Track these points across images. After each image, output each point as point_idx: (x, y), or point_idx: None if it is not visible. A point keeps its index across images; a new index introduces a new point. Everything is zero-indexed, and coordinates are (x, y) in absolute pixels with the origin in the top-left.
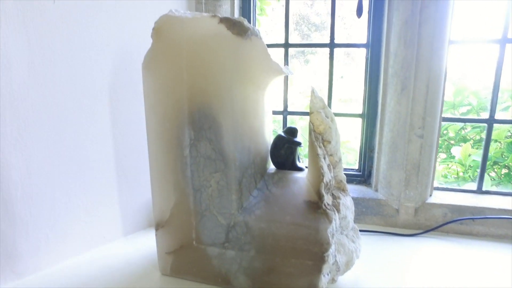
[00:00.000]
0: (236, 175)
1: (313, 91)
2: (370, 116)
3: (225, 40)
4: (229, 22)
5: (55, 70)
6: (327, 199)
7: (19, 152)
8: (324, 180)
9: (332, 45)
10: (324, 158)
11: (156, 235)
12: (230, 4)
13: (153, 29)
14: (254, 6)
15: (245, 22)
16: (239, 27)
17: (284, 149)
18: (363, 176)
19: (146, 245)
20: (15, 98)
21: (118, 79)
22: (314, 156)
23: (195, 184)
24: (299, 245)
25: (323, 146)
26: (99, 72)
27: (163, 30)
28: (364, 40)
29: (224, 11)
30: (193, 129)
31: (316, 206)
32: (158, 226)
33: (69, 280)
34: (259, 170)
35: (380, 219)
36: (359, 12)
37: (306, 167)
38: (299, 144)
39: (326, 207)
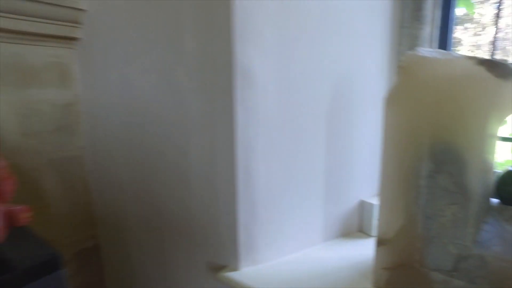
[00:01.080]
0: (475, 209)
1: None
2: None
3: (483, 81)
4: (490, 64)
5: (293, 95)
6: None
7: (264, 163)
8: None
9: None
10: None
11: (376, 250)
12: (430, 26)
13: (399, 67)
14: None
15: (509, 64)
16: (503, 69)
17: None
18: None
19: (345, 253)
20: (267, 117)
21: (335, 104)
22: None
23: (428, 212)
24: None
25: None
26: (321, 97)
27: (410, 68)
28: None
29: (427, 33)
30: (433, 162)
31: None
32: (380, 243)
33: (289, 272)
34: (487, 203)
35: None
36: None
37: None
38: None
39: None
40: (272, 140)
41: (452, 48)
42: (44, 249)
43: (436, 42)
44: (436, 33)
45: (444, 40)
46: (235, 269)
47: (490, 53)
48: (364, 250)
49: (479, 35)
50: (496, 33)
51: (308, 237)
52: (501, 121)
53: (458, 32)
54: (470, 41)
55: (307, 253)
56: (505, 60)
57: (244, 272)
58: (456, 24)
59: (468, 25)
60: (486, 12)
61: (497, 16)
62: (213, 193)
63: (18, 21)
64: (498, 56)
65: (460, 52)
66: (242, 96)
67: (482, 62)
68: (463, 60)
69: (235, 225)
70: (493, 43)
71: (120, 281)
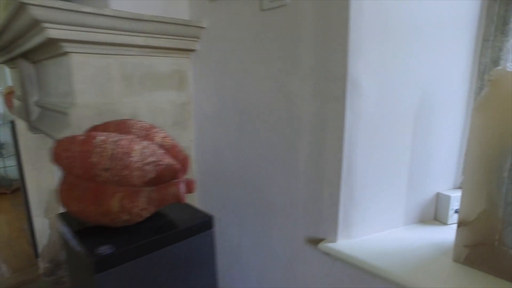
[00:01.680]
0: None
1: None
2: None
3: None
4: None
5: (388, 100)
6: None
7: (362, 156)
8: None
9: None
10: None
11: (457, 230)
12: None
13: (489, 80)
14: None
15: None
16: None
17: None
18: None
19: (424, 235)
20: (367, 118)
21: (421, 108)
22: None
23: (508, 199)
24: None
25: None
26: (410, 102)
27: (498, 81)
28: None
29: (510, 45)
30: None
31: None
32: (461, 224)
33: (377, 246)
34: None
35: None
36: None
37: None
38: None
39: None
40: (370, 137)
41: None
42: (199, 213)
43: None
44: None
45: None
46: (333, 241)
47: None
48: (441, 234)
49: None
50: None
51: (391, 220)
52: None
53: None
54: None
55: (390, 233)
56: None
57: (340, 244)
58: None
59: None
60: None
61: None
62: (318, 180)
63: (155, 39)
64: None
65: None
66: (351, 102)
67: None
68: None
69: (337, 205)
70: None
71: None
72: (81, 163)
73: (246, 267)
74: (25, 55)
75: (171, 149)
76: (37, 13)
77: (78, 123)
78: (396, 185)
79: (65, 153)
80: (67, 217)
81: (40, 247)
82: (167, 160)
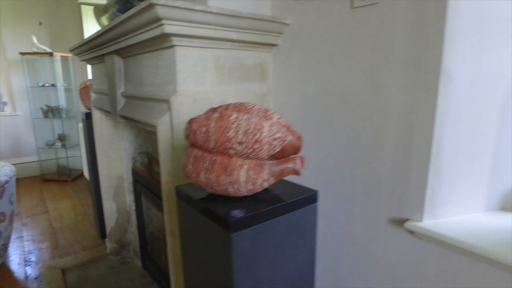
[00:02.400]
0: None
1: None
2: None
3: None
4: None
5: (478, 90)
6: None
7: (450, 141)
8: None
9: None
10: None
11: None
12: None
13: None
14: None
15: None
16: None
17: None
18: None
19: (506, 220)
20: (456, 106)
21: (508, 98)
22: None
23: None
24: None
25: None
26: (497, 92)
27: None
28: None
29: None
30: None
31: None
32: None
33: (461, 227)
34: None
35: None
36: None
37: None
38: None
39: None
40: (458, 125)
41: None
42: (305, 189)
43: None
44: None
45: None
46: (419, 221)
47: None
48: None
49: None
50: None
51: (474, 204)
52: None
53: None
54: None
55: (473, 217)
56: None
57: (426, 223)
58: None
59: None
60: None
61: None
62: (405, 164)
63: (246, 34)
64: None
65: None
66: (443, 92)
67: None
68: None
69: (424, 186)
70: None
71: None
72: (216, 137)
73: (324, 247)
74: (118, 51)
75: (287, 128)
76: (160, 11)
77: (177, 109)
78: (480, 172)
79: (202, 129)
80: (188, 188)
81: (108, 229)
82: (290, 137)
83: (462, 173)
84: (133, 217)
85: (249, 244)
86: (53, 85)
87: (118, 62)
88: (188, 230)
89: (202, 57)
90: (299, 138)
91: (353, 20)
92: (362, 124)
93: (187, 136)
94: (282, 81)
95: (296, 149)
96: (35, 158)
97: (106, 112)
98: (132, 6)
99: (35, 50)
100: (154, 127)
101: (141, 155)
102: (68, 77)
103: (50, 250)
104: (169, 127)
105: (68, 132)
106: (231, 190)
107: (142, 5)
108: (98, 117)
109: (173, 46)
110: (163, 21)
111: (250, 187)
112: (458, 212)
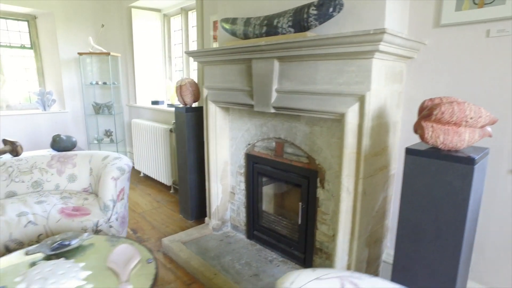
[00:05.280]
0: None
1: None
2: None
3: None
4: None
5: None
6: None
7: None
8: None
9: None
10: None
11: None
12: None
13: None
14: None
15: None
16: None
17: None
18: None
19: None
20: None
21: None
22: None
23: None
24: None
25: None
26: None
27: None
28: None
29: None
30: None
31: None
32: None
33: None
34: None
35: None
36: None
37: None
38: None
39: None
40: None
41: None
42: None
43: None
44: None
45: None
46: None
47: None
48: None
49: None
50: None
51: None
52: None
53: None
54: None
55: None
56: None
57: None
58: None
59: None
60: None
61: None
62: None
63: (400, 50)
64: None
65: None
66: None
67: None
68: None
69: None
70: None
71: None
72: (458, 115)
73: None
74: (280, 58)
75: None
76: (386, 36)
77: (369, 101)
78: None
79: (448, 110)
80: (417, 147)
81: (213, 208)
82: (491, 116)
83: None
84: (238, 196)
85: (478, 175)
86: (105, 83)
87: (275, 65)
88: (415, 179)
89: (380, 66)
90: (493, 117)
91: (487, 47)
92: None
93: (431, 114)
94: (413, 83)
95: (492, 123)
96: None
97: (237, 104)
98: (305, 21)
99: (91, 50)
100: (341, 114)
101: (264, 140)
102: (117, 75)
103: (149, 230)
104: (357, 113)
105: (111, 128)
106: (458, 145)
107: (370, 30)
108: (213, 110)
109: (371, 58)
110: (381, 42)
111: (468, 143)
112: None
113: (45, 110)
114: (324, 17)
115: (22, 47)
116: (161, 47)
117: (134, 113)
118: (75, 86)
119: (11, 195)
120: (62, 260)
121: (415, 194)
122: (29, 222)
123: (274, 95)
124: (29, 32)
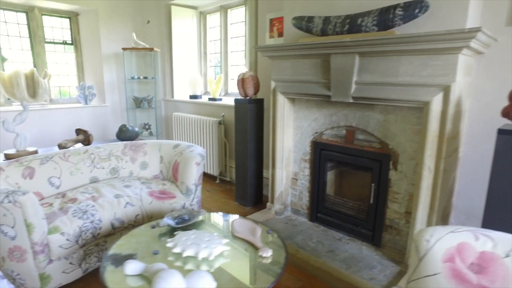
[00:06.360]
0: None
1: None
2: None
3: None
4: None
5: None
6: None
7: None
8: None
9: None
10: None
11: None
12: None
13: None
14: None
15: None
16: None
17: None
18: None
19: None
20: None
21: None
22: None
23: None
24: None
25: None
26: None
27: None
28: None
29: None
30: None
31: None
32: None
33: None
34: None
35: None
36: None
37: None
38: None
39: None
40: None
41: None
42: None
43: None
44: None
45: None
46: None
47: None
48: None
49: None
50: None
51: None
52: None
53: None
54: None
55: None
56: None
57: None
58: None
59: None
60: None
61: None
62: None
63: (477, 45)
64: None
65: None
66: None
67: None
68: None
69: None
70: None
71: None
72: None
73: None
74: (362, 53)
75: None
76: (479, 34)
77: (454, 91)
78: None
79: None
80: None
81: (277, 193)
82: None
83: None
84: (300, 182)
85: None
86: (145, 77)
87: (356, 60)
88: (505, 155)
89: (463, 60)
90: None
91: None
92: None
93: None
94: (482, 76)
95: None
96: None
97: (310, 95)
98: (390, 21)
99: (133, 45)
100: (425, 102)
101: (334, 129)
102: (156, 70)
103: None
104: (441, 102)
105: (149, 121)
106: None
107: (465, 29)
108: (281, 101)
109: (458, 53)
110: (473, 40)
111: None
112: None
113: (86, 104)
114: (409, 17)
115: (64, 43)
116: (196, 43)
117: (171, 106)
118: (114, 80)
119: (94, 180)
120: (196, 230)
121: (505, 170)
122: (127, 203)
123: (353, 86)
124: (71, 28)
